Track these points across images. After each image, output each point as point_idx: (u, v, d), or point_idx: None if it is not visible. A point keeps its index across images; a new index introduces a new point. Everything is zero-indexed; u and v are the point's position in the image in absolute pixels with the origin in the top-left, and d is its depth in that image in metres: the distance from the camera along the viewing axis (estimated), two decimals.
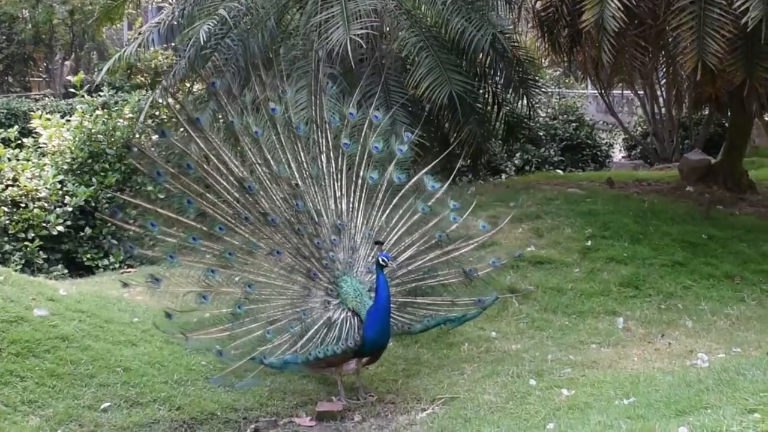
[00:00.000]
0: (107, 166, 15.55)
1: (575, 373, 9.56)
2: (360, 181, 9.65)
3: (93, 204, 15.07)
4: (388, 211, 9.65)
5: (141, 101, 17.67)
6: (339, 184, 9.57)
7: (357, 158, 9.69)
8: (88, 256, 14.84)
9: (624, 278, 12.52)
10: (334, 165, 9.60)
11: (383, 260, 8.75)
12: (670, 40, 14.00)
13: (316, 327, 8.99)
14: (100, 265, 14.79)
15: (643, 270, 12.89)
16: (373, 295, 9.03)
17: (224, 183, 9.33)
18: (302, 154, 9.55)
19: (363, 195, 9.63)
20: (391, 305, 9.02)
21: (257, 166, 9.42)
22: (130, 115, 16.89)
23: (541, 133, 23.99)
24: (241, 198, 9.35)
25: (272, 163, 9.44)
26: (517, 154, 23.08)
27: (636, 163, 26.16)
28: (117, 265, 14.71)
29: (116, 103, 19.18)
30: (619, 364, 9.93)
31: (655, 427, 5.92)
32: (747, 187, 17.89)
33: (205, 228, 9.36)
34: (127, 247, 10.29)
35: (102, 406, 8.63)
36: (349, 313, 9.04)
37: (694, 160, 18.77)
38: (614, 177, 18.90)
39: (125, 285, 10.36)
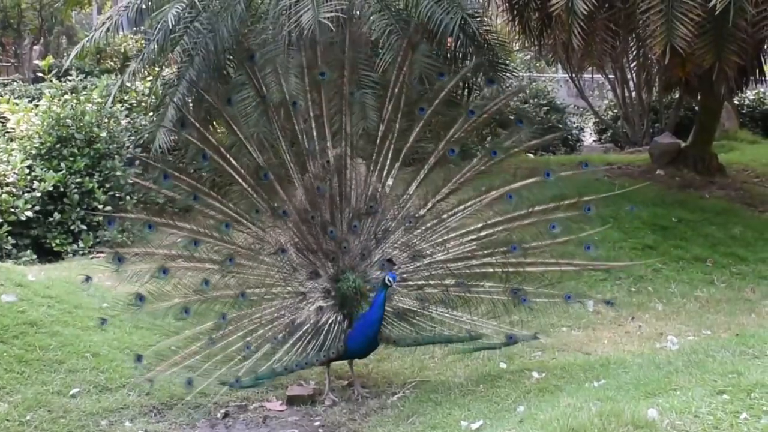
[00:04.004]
0: (76, 150, 15.41)
1: (546, 356, 9.62)
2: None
3: (61, 189, 14.95)
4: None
5: (110, 86, 17.56)
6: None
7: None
8: (57, 241, 14.71)
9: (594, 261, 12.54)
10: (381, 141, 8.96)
11: (389, 280, 8.31)
12: (640, 23, 13.99)
13: (299, 334, 8.66)
14: (69, 250, 14.67)
15: (613, 253, 12.95)
16: (372, 296, 8.68)
17: (241, 175, 8.81)
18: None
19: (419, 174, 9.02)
20: (393, 310, 8.79)
21: (282, 145, 8.91)
22: (99, 99, 16.78)
23: (511, 117, 23.97)
24: (257, 186, 8.85)
25: (305, 138, 8.90)
26: (488, 139, 23.06)
27: (606, 147, 26.20)
28: (86, 251, 14.62)
29: (85, 87, 19.04)
30: (589, 346, 9.98)
31: (624, 409, 5.92)
32: (717, 170, 17.99)
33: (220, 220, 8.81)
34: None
35: (71, 392, 8.60)
36: (340, 317, 8.77)
37: (665, 144, 18.86)
38: (585, 160, 18.92)
39: (88, 279, 9.22)
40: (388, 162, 8.97)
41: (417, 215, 8.95)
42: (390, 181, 9.00)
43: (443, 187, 8.97)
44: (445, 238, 8.90)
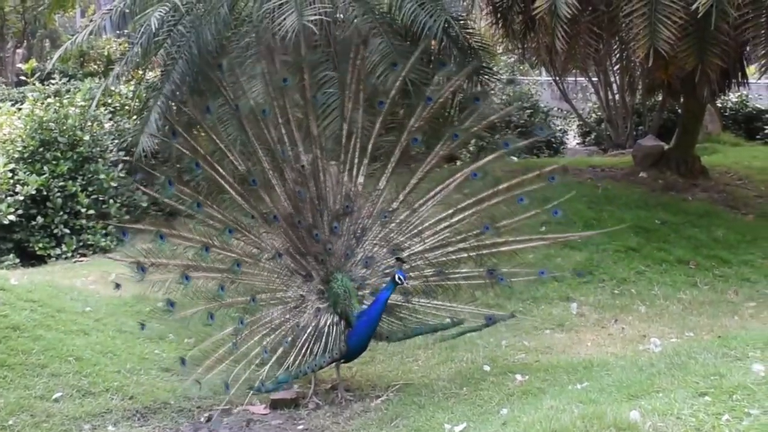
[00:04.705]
0: (59, 154, 15.37)
1: (529, 358, 9.62)
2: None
3: (45, 193, 14.91)
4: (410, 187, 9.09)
5: (93, 89, 17.51)
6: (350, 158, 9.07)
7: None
8: (40, 245, 14.69)
9: (578, 264, 12.59)
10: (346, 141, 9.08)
11: (400, 278, 8.38)
12: (623, 26, 14.05)
13: (304, 337, 8.76)
14: (52, 254, 14.64)
15: (596, 255, 13.00)
16: (361, 294, 8.87)
17: (229, 182, 8.99)
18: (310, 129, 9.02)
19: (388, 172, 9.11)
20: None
21: (260, 153, 9.02)
22: (82, 103, 16.74)
23: (495, 120, 23.94)
24: (246, 194, 9.02)
25: (277, 146, 8.99)
26: (472, 141, 22.99)
27: (590, 150, 26.25)
28: (69, 254, 14.58)
29: (68, 91, 18.96)
30: (572, 349, 10.00)
31: (606, 411, 5.94)
32: (699, 172, 18.03)
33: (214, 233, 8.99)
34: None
35: (54, 396, 8.57)
36: (336, 317, 8.83)
37: (648, 146, 18.90)
38: (568, 163, 18.96)
39: (118, 286, 9.43)
40: (356, 160, 9.08)
41: (390, 209, 9.05)
42: (361, 179, 9.10)
43: (412, 178, 9.08)
44: (420, 228, 9.01)
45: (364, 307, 8.74)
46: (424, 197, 9.04)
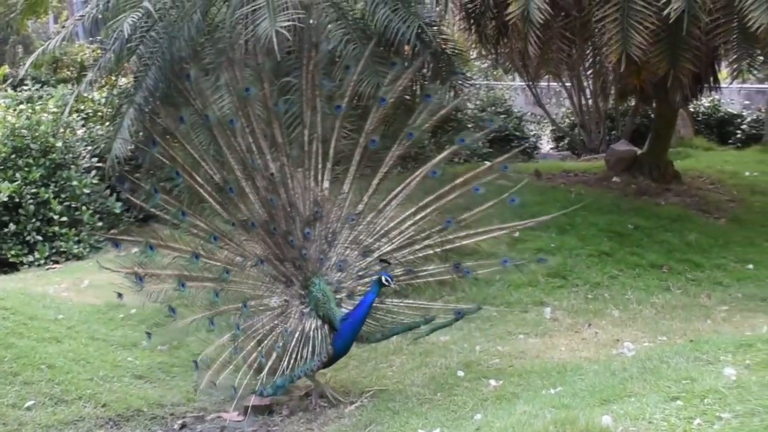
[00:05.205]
0: (31, 161, 15.32)
1: (503, 363, 9.62)
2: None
3: (17, 199, 14.83)
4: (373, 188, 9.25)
5: (66, 95, 17.44)
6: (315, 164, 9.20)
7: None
8: (12, 252, 14.61)
9: (551, 269, 12.59)
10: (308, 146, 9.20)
11: (387, 280, 8.50)
12: (595, 31, 14.07)
13: (293, 342, 8.80)
14: (24, 261, 14.59)
15: (570, 260, 13.02)
16: (339, 297, 8.96)
17: (207, 191, 9.07)
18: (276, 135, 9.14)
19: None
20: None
21: (232, 163, 9.09)
22: (55, 109, 16.67)
23: (469, 125, 23.96)
24: (224, 202, 9.12)
25: (247, 155, 9.06)
26: (446, 147, 22.95)
27: (563, 154, 26.27)
28: (42, 262, 14.51)
29: (41, 97, 18.91)
30: (546, 353, 10.00)
31: (579, 416, 5.96)
32: (672, 177, 18.07)
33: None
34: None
35: (26, 405, 8.52)
36: (319, 321, 8.88)
37: (621, 151, 18.94)
38: (541, 168, 18.99)
39: (120, 296, 9.39)
40: (320, 165, 9.20)
41: (357, 212, 9.16)
42: (326, 184, 9.20)
43: (373, 179, 9.24)
44: (386, 229, 9.13)
45: (344, 310, 8.84)
46: (387, 198, 9.20)
